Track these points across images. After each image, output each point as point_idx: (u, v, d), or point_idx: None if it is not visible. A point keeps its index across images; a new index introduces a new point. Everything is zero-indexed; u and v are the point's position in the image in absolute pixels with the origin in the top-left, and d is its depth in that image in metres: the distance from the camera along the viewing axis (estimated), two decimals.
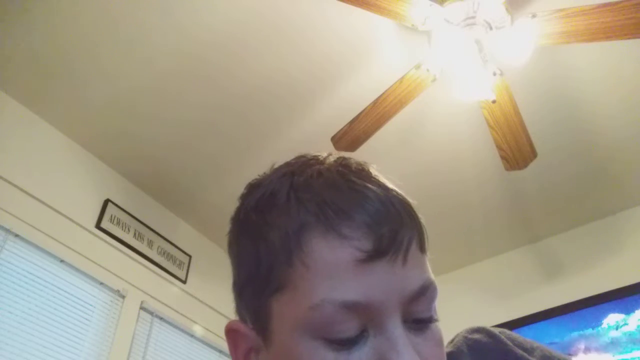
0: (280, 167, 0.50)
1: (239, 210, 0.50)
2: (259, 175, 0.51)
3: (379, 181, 0.45)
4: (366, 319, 0.41)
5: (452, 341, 0.56)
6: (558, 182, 2.55)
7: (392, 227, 0.42)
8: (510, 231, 2.81)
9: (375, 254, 0.41)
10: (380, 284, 0.41)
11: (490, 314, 2.67)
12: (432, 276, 0.45)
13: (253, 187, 0.49)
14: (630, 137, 2.34)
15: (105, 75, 2.13)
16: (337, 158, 0.48)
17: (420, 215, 0.46)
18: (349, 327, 0.41)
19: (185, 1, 1.90)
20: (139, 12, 1.93)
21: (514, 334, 0.56)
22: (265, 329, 0.45)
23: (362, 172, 0.46)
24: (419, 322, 0.43)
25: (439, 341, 0.45)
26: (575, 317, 2.54)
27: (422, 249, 0.45)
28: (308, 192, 0.44)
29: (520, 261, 2.85)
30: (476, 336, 0.55)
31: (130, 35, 2.00)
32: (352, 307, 0.40)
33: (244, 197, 0.50)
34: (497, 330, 0.56)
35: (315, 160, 0.48)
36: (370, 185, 0.44)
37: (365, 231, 0.41)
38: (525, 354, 0.53)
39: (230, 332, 0.49)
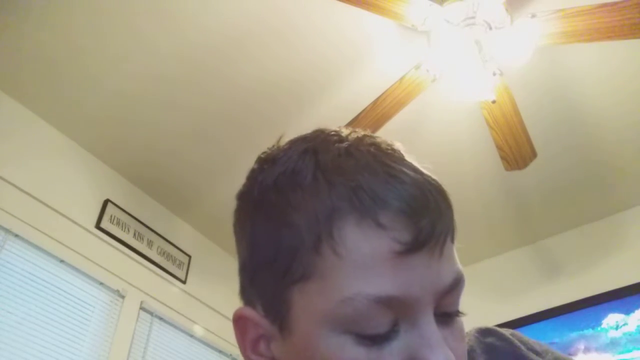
0: (296, 142, 0.46)
1: (251, 187, 0.46)
2: (268, 149, 0.48)
3: (413, 165, 0.42)
4: (399, 313, 0.39)
5: None
6: (558, 182, 2.55)
7: (431, 218, 0.39)
8: (510, 231, 2.81)
9: (414, 247, 0.38)
10: (417, 278, 0.38)
11: (490, 313, 2.67)
12: (461, 267, 0.43)
13: (267, 162, 0.46)
14: (630, 137, 2.34)
15: (105, 75, 2.13)
16: (362, 136, 0.44)
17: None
18: (381, 323, 0.38)
19: (183, 5, 1.90)
20: (137, 14, 1.93)
21: (524, 336, 0.56)
22: (282, 318, 0.42)
23: (395, 154, 0.42)
24: (447, 315, 0.42)
25: (463, 335, 0.43)
26: (575, 317, 2.54)
27: (452, 239, 0.43)
28: (339, 174, 0.40)
29: (520, 261, 2.85)
30: (489, 339, 0.55)
31: (130, 35, 2.00)
32: (386, 302, 0.38)
33: (256, 173, 0.46)
34: (508, 332, 0.55)
35: (338, 136, 0.44)
36: (406, 170, 0.40)
37: (404, 221, 0.38)
38: (537, 358, 0.52)
39: (239, 320, 0.45)
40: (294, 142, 0.46)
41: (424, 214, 0.39)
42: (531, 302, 2.66)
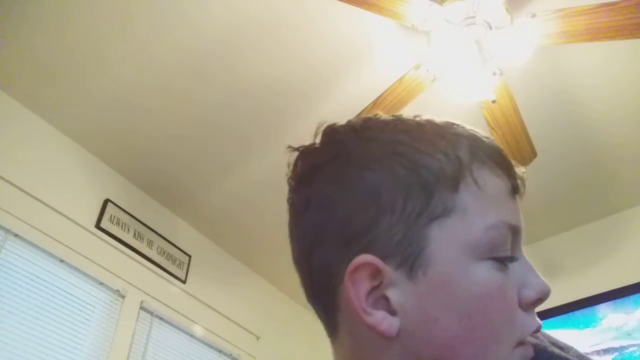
0: (375, 119, 0.51)
1: (368, 143, 0.47)
2: (329, 122, 0.51)
3: None
4: (514, 243, 0.46)
5: None
6: (558, 182, 2.55)
7: (518, 170, 0.49)
8: None
9: (518, 190, 0.48)
10: (520, 216, 0.48)
11: None
12: None
13: (365, 129, 0.49)
14: (630, 137, 2.34)
15: (105, 75, 2.13)
16: (427, 117, 0.51)
17: None
18: (508, 249, 0.45)
19: (179, 9, 1.90)
20: (140, 11, 1.93)
21: (547, 332, 0.56)
22: (415, 258, 0.43)
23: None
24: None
25: None
26: (574, 317, 2.54)
27: None
28: (457, 129, 0.48)
29: None
30: None
31: (130, 35, 2.00)
32: (514, 230, 0.46)
33: (353, 136, 0.49)
34: None
35: (402, 115, 0.52)
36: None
37: (510, 169, 0.48)
38: (562, 352, 0.53)
39: (360, 268, 0.44)
40: (372, 119, 0.51)
41: (513, 166, 0.49)
42: None
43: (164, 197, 2.66)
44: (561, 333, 2.55)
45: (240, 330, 2.77)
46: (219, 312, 2.69)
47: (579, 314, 2.54)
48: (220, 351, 2.62)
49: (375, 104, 1.88)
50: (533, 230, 2.82)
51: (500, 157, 0.47)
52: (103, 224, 2.34)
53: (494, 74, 1.74)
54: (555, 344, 0.54)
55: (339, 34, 2.00)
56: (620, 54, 2.03)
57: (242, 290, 2.94)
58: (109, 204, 2.41)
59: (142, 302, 2.36)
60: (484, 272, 0.43)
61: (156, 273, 2.50)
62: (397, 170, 0.45)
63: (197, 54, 2.06)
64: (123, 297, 2.28)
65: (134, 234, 2.47)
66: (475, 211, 0.44)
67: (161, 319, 2.43)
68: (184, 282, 2.62)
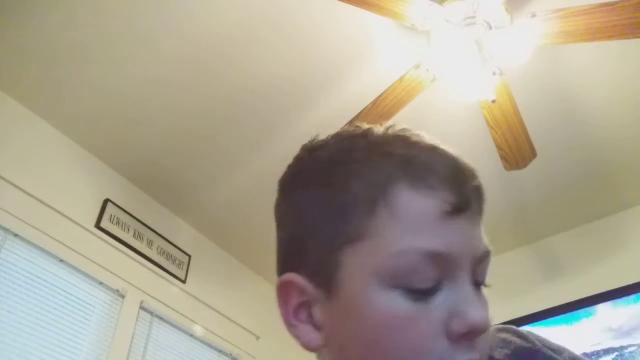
0: (338, 134, 0.50)
1: (302, 166, 0.50)
2: (310, 141, 0.52)
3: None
4: (443, 271, 0.42)
5: None
6: (558, 182, 2.55)
7: (472, 186, 0.44)
8: (510, 231, 2.81)
9: (459, 208, 0.43)
10: (460, 239, 0.43)
11: (490, 313, 2.67)
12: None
13: (316, 147, 0.50)
14: (630, 137, 2.34)
15: (105, 75, 2.13)
16: (388, 126, 0.49)
17: None
18: (428, 278, 0.41)
19: (182, 4, 1.90)
20: (138, 12, 1.93)
21: (540, 335, 0.56)
22: (330, 280, 0.44)
23: (421, 134, 0.48)
24: (477, 284, 0.45)
25: (488, 305, 0.47)
26: (575, 317, 2.54)
27: (482, 216, 0.47)
28: (391, 148, 0.45)
29: (521, 261, 2.85)
30: (504, 335, 0.56)
31: (130, 35, 2.00)
32: (434, 258, 0.42)
33: (305, 155, 0.50)
34: (525, 331, 0.57)
35: (368, 128, 0.49)
36: (445, 147, 0.47)
37: (452, 185, 0.43)
38: (554, 355, 0.53)
39: (285, 285, 0.47)
40: (335, 135, 0.50)
41: (467, 182, 0.44)
42: (531, 302, 2.66)
43: (164, 197, 2.66)
44: (561, 333, 2.55)
45: (240, 330, 2.77)
46: (219, 312, 2.68)
47: (579, 313, 2.54)
48: (220, 351, 2.62)
49: (375, 103, 1.88)
50: (533, 230, 2.82)
51: (439, 176, 0.43)
52: (103, 224, 2.34)
53: (494, 74, 1.74)
54: (549, 346, 0.54)
55: (339, 34, 2.00)
56: (621, 54, 2.03)
57: (242, 290, 2.94)
58: (109, 204, 2.41)
59: (142, 302, 2.35)
60: (389, 301, 0.41)
61: (156, 273, 2.50)
62: (319, 194, 0.47)
63: (197, 54, 2.06)
64: (123, 297, 2.28)
65: (134, 234, 2.47)
66: (386, 237, 0.42)
67: (161, 319, 2.43)
68: (184, 282, 2.62)
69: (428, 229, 0.42)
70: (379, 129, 0.48)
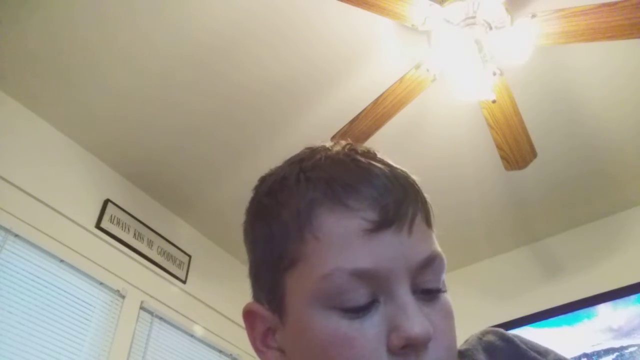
0: (291, 157, 0.52)
1: (252, 200, 0.52)
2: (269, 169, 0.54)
3: (383, 160, 0.48)
4: (376, 287, 0.42)
5: (466, 341, 0.57)
6: (558, 182, 2.55)
7: (396, 198, 0.44)
8: (510, 231, 2.81)
9: (381, 224, 0.43)
10: (387, 252, 0.43)
11: (490, 314, 2.67)
12: (439, 249, 0.46)
13: (265, 178, 0.52)
14: (630, 137, 2.34)
15: (105, 75, 2.13)
16: (345, 144, 0.50)
17: (424, 191, 0.48)
18: (360, 295, 0.42)
19: (183, 4, 1.90)
20: (137, 13, 1.93)
21: (527, 338, 0.57)
22: (280, 306, 0.47)
23: (368, 153, 0.48)
24: (428, 292, 0.45)
25: (449, 312, 0.46)
26: (575, 317, 2.54)
27: (427, 223, 0.47)
28: (316, 172, 0.46)
29: (520, 261, 2.85)
30: (490, 338, 0.57)
31: (130, 34, 2.00)
32: (361, 275, 0.42)
33: (257, 188, 0.52)
34: (510, 334, 0.57)
35: (323, 147, 0.50)
36: (375, 163, 0.46)
37: (371, 203, 0.43)
38: (538, 356, 0.54)
39: (248, 314, 0.50)
40: (287, 159, 0.52)
41: (388, 196, 0.44)
42: (531, 302, 2.66)
43: (164, 197, 2.66)
44: (561, 333, 2.55)
45: (241, 330, 2.76)
46: (219, 312, 2.68)
47: (579, 314, 2.54)
48: (220, 351, 2.62)
49: (375, 103, 1.88)
50: (533, 230, 2.82)
51: (360, 196, 0.44)
52: (103, 224, 2.34)
53: (494, 73, 1.74)
54: (533, 348, 0.55)
55: (339, 34, 2.00)
56: (621, 54, 2.03)
57: (242, 291, 2.92)
58: (109, 204, 2.41)
59: (142, 302, 2.35)
60: (326, 322, 0.43)
61: (156, 273, 2.50)
62: (261, 223, 0.49)
63: (197, 53, 2.06)
64: (123, 297, 2.28)
65: (134, 234, 2.47)
66: (314, 261, 0.44)
67: (161, 319, 2.43)
68: (184, 282, 2.62)
69: (351, 248, 0.42)
70: (321, 153, 0.49)
